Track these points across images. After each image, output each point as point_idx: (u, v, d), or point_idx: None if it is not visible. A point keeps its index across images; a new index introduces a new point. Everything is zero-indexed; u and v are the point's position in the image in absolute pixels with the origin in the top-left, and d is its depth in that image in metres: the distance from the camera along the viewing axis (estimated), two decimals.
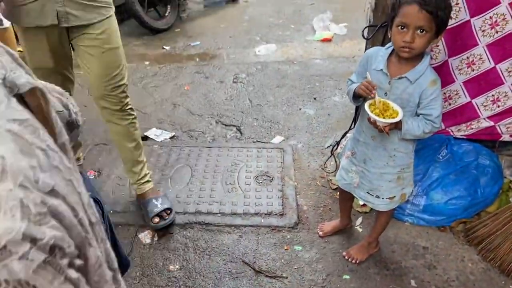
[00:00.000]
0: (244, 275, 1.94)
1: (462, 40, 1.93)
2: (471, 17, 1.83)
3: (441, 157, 2.18)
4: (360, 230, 2.20)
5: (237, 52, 4.42)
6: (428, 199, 2.15)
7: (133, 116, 2.11)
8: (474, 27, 1.87)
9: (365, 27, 1.99)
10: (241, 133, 3.06)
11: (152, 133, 3.03)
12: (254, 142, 2.95)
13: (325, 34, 4.65)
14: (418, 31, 1.41)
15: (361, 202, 2.29)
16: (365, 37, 1.99)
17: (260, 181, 2.52)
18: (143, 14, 4.57)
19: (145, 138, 2.96)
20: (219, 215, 2.27)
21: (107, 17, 1.83)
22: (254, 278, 1.93)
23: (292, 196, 2.40)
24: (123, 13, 5.04)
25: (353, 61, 4.04)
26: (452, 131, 2.22)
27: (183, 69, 4.05)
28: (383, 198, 1.80)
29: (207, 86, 3.73)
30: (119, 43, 1.92)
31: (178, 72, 3.99)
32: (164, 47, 4.55)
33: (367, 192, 1.83)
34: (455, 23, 1.85)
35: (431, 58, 1.90)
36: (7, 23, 3.64)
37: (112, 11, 1.88)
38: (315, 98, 3.48)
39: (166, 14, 4.99)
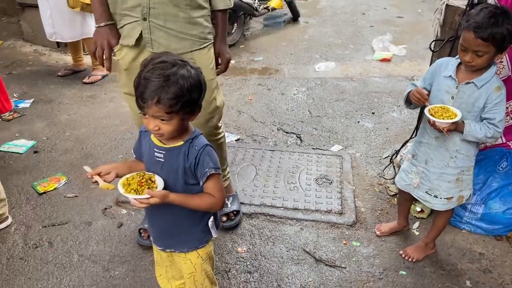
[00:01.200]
0: (305, 262, 2.10)
1: None
2: None
3: (501, 169, 2.25)
4: (417, 233, 2.30)
5: (297, 68, 4.65)
6: (486, 208, 2.22)
7: (222, 135, 2.20)
8: None
9: (433, 41, 2.14)
10: (301, 140, 3.25)
11: None
12: (313, 149, 3.12)
13: (384, 54, 4.78)
14: (475, 54, 1.57)
15: (418, 209, 2.40)
16: (432, 49, 2.13)
17: (320, 183, 2.69)
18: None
19: None
20: (282, 208, 2.45)
21: (192, 50, 1.83)
22: (315, 265, 2.08)
23: (351, 198, 2.55)
24: None
25: (412, 80, 4.15)
26: None
27: (246, 81, 4.33)
28: (441, 198, 1.92)
29: (269, 97, 3.97)
30: (208, 77, 1.85)
31: (242, 84, 4.27)
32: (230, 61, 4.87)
33: (426, 192, 1.95)
34: None
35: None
36: None
37: (203, 45, 1.86)
38: (373, 113, 3.62)
39: (233, 32, 5.34)
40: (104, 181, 1.35)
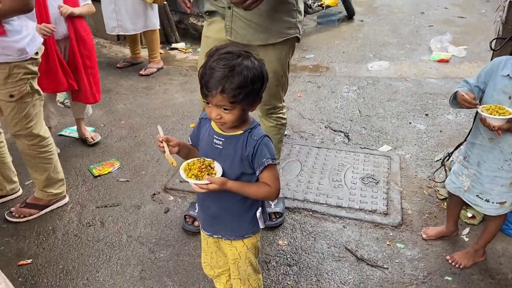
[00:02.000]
0: (346, 260, 2.08)
1: None
2: None
3: None
4: (466, 239, 2.20)
5: (349, 66, 4.58)
6: None
7: (281, 122, 2.25)
8: None
9: (494, 39, 2.04)
10: (348, 139, 3.21)
11: None
12: (361, 148, 3.07)
13: (443, 55, 4.59)
14: None
15: (469, 214, 2.30)
16: (493, 48, 2.03)
17: (366, 182, 2.64)
18: None
19: None
20: (325, 205, 2.44)
21: (266, 44, 1.89)
22: (356, 264, 2.06)
23: (397, 200, 2.48)
24: None
25: None
26: None
27: (296, 78, 4.32)
28: (493, 202, 1.83)
29: (319, 94, 3.95)
30: (277, 72, 1.96)
31: (292, 80, 4.26)
32: None
33: (477, 195, 1.87)
34: None
35: None
36: (157, 25, 4.27)
37: (280, 39, 1.90)
38: (426, 115, 3.49)
39: None
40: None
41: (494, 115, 1.60)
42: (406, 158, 2.92)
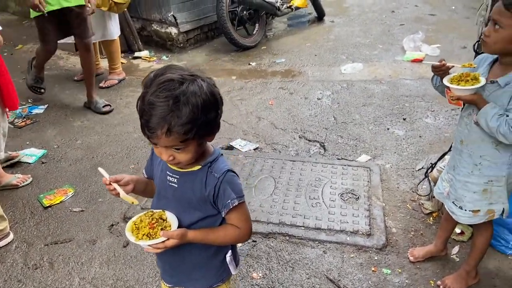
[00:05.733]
0: None
1: None
2: None
3: None
4: (457, 259, 2.02)
5: (322, 70, 4.39)
6: None
7: None
8: None
9: (477, 41, 1.87)
10: (325, 149, 3.00)
11: (237, 143, 3.08)
12: (338, 159, 2.87)
13: (416, 54, 4.46)
14: (494, 25, 1.44)
15: (458, 230, 2.14)
16: (477, 51, 1.87)
17: (346, 199, 2.43)
18: (233, 32, 4.74)
19: (230, 147, 3.03)
20: (302, 228, 2.21)
21: None
22: None
23: (380, 217, 2.28)
24: (215, 31, 5.28)
25: None
26: None
27: (267, 85, 4.11)
28: (465, 210, 1.69)
29: (291, 101, 3.74)
30: None
31: (263, 87, 4.05)
32: (250, 63, 4.66)
33: (453, 202, 1.74)
34: None
35: None
36: (115, 35, 3.97)
37: None
38: (404, 119, 3.33)
39: (254, 33, 5.13)
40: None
41: (462, 85, 1.49)
42: (387, 168, 2.74)
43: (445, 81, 1.57)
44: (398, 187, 2.55)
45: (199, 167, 1.14)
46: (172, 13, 4.63)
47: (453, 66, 1.60)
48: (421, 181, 2.44)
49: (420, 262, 2.00)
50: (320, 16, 5.93)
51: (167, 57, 4.78)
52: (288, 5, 5.31)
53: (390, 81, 4.01)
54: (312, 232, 2.19)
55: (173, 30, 4.74)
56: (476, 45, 1.89)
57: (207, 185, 1.13)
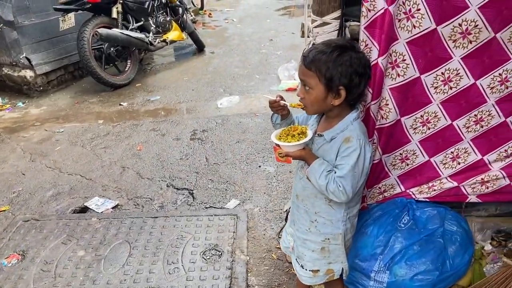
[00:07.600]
0: None
1: (413, 98, 1.73)
2: (421, 74, 1.65)
3: (403, 225, 1.93)
4: None
5: (198, 106, 4.23)
6: (392, 275, 1.87)
7: None
8: (426, 84, 1.68)
9: None
10: (193, 197, 2.79)
11: (93, 203, 2.73)
12: (206, 208, 2.67)
13: (290, 83, 4.51)
14: (304, 87, 1.37)
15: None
16: None
17: (208, 257, 2.22)
18: (100, 70, 4.38)
19: (84, 209, 2.68)
20: None
21: None
22: None
23: (243, 275, 2.10)
24: (83, 69, 4.87)
25: None
26: (413, 194, 1.98)
27: (138, 127, 3.82)
28: (306, 269, 1.58)
29: (162, 144, 3.49)
30: None
31: (132, 130, 3.75)
32: (122, 103, 4.34)
33: (296, 259, 1.61)
34: (403, 80, 1.66)
35: (377, 119, 1.71)
36: None
37: None
38: None
39: (126, 69, 4.83)
40: None
41: (289, 141, 1.37)
42: (255, 213, 2.60)
43: (273, 137, 1.43)
44: (264, 234, 2.41)
45: None
46: (24, 55, 4.15)
47: (286, 105, 1.49)
48: (282, 229, 2.32)
49: None
50: (200, 48, 5.84)
51: (23, 103, 4.27)
52: (161, 39, 5.11)
53: (265, 113, 3.97)
54: None
55: (28, 73, 4.25)
56: None
57: None
